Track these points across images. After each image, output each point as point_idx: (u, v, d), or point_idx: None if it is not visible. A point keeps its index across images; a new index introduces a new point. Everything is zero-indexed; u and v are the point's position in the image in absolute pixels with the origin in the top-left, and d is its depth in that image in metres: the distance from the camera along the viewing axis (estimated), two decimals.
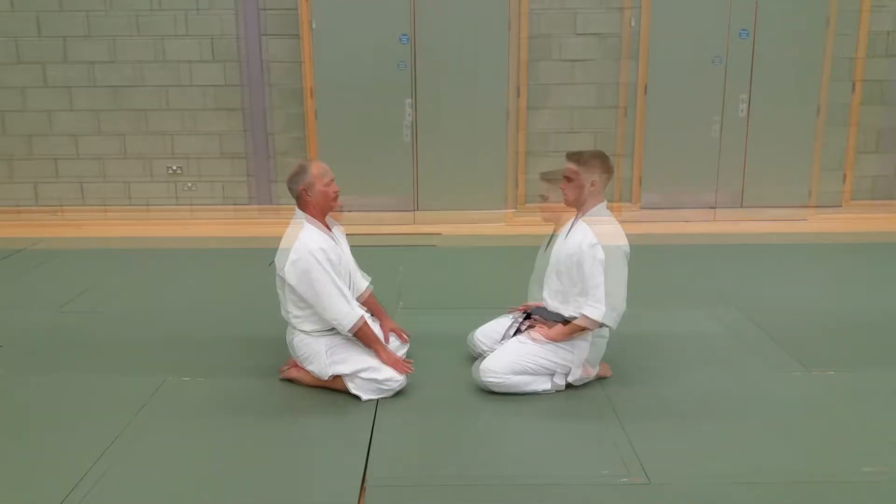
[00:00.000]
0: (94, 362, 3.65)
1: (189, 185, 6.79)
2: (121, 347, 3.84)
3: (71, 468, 2.66)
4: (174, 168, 6.79)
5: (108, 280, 5.02)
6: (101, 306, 4.51)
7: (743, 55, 6.51)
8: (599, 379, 3.37)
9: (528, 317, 3.43)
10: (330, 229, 3.31)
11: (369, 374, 3.19)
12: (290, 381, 3.38)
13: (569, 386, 3.28)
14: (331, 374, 3.21)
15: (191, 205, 6.84)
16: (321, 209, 3.22)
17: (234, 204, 6.83)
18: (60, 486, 2.54)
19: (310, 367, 3.27)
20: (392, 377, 3.20)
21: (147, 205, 6.84)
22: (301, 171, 3.20)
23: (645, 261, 5.19)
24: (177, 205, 6.84)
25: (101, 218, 6.75)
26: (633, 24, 6.45)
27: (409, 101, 6.59)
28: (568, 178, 3.22)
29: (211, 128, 6.70)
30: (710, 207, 6.75)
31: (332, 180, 3.23)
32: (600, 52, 6.56)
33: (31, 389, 3.34)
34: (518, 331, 3.40)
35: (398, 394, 3.22)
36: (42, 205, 6.85)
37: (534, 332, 3.27)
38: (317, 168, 3.20)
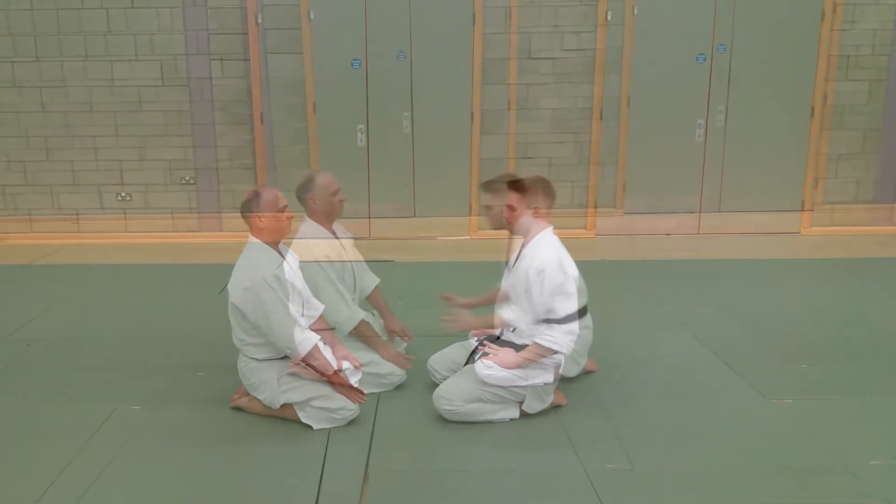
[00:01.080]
0: (42, 389, 3.61)
1: (185, 178, 7.06)
2: (70, 374, 3.79)
3: (20, 498, 2.66)
4: (124, 195, 7.07)
5: (59, 304, 4.97)
6: (48, 332, 4.45)
7: (721, 68, 6.90)
8: (555, 407, 3.33)
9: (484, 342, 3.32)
10: (335, 235, 3.58)
11: (321, 402, 3.13)
12: (241, 409, 3.33)
13: (524, 415, 3.23)
14: (281, 402, 3.14)
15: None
16: (327, 216, 3.52)
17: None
18: None
19: (260, 396, 3.18)
20: (345, 406, 3.14)
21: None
22: (308, 181, 3.49)
23: (621, 275, 5.43)
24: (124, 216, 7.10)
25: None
26: (609, 17, 6.77)
27: (406, 114, 6.99)
28: (510, 207, 3.22)
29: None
30: (691, 212, 7.15)
31: (339, 190, 3.52)
32: (580, 66, 6.96)
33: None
34: (474, 355, 3.30)
35: (352, 422, 3.17)
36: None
37: (486, 360, 3.15)
38: (324, 179, 3.48)
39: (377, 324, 3.78)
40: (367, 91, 6.88)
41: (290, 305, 3.09)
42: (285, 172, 6.95)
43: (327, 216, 3.53)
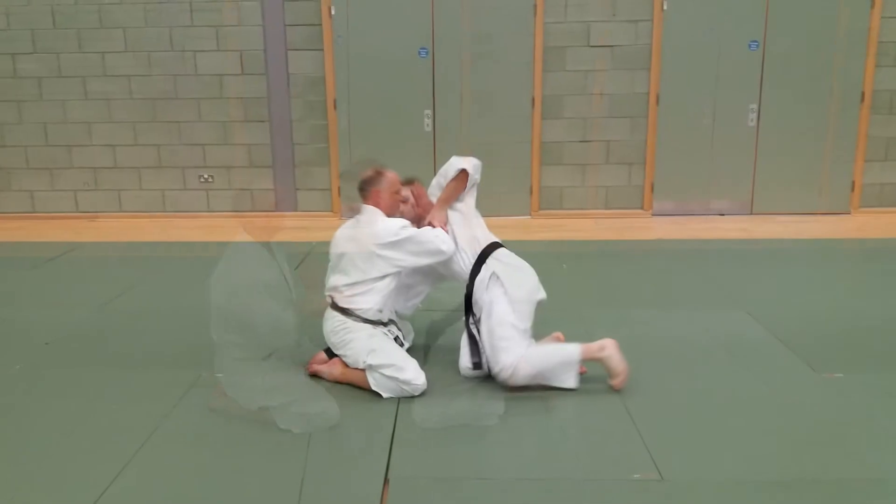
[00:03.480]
0: (131, 358, 3.87)
1: (205, 176, 7.13)
2: (159, 345, 4.04)
3: (111, 459, 2.84)
4: (206, 177, 7.13)
5: (146, 282, 5.30)
6: (139, 306, 4.76)
7: (753, 66, 6.68)
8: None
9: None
10: None
11: (392, 371, 3.27)
12: (316, 376, 3.51)
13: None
14: (365, 362, 3.31)
15: (220, 212, 7.18)
16: (388, 212, 3.54)
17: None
18: (100, 478, 2.72)
19: (344, 353, 3.41)
20: (413, 379, 3.27)
21: (179, 211, 7.20)
22: (377, 175, 3.55)
23: (656, 266, 5.58)
24: (208, 211, 7.20)
25: (138, 224, 7.12)
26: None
27: (428, 111, 6.86)
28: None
29: (240, 139, 7.03)
30: (720, 214, 6.93)
31: (401, 189, 3.61)
32: (611, 63, 6.77)
33: (73, 385, 3.54)
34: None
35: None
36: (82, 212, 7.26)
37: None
38: (391, 176, 3.56)
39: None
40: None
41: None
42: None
43: (388, 212, 3.58)
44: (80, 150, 7.13)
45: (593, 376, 3.44)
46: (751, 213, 6.92)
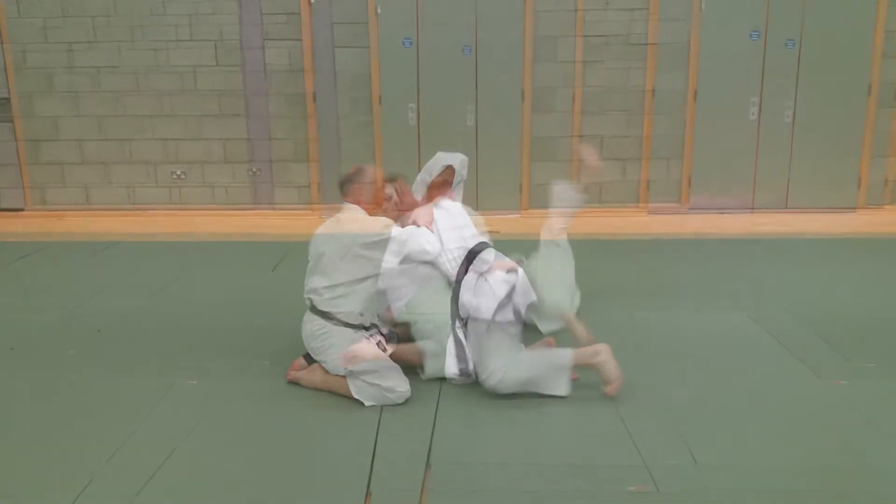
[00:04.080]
0: (109, 364, 3.72)
1: (254, 170, 7.33)
2: (136, 347, 3.94)
3: (159, 443, 2.86)
4: (255, 170, 7.35)
5: (196, 272, 5.39)
6: (190, 296, 4.86)
7: (789, 62, 6.83)
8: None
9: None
10: None
11: (374, 378, 3.12)
12: (295, 383, 3.37)
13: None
14: (345, 367, 3.14)
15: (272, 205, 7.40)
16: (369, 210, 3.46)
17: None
18: (150, 461, 2.73)
19: (324, 359, 3.23)
20: (397, 387, 3.13)
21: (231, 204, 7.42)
22: (358, 172, 3.45)
23: (686, 258, 5.57)
24: (254, 204, 7.41)
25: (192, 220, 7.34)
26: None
27: (470, 107, 7.04)
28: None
29: (287, 134, 7.24)
30: (754, 209, 7.08)
31: (383, 186, 3.52)
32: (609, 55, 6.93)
33: (122, 370, 3.59)
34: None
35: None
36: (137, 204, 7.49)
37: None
38: (372, 171, 3.45)
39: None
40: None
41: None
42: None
43: (370, 210, 3.48)
44: (138, 143, 7.34)
45: (586, 383, 3.27)
46: (786, 208, 7.07)
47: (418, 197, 3.77)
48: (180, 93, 7.17)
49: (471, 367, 3.27)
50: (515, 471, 2.69)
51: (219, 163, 7.32)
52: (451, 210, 3.64)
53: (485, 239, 3.60)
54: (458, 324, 3.32)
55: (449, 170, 3.66)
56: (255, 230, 6.78)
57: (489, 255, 3.46)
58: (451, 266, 3.45)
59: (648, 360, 3.61)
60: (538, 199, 6.85)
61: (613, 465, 2.71)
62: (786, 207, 7.09)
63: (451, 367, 3.28)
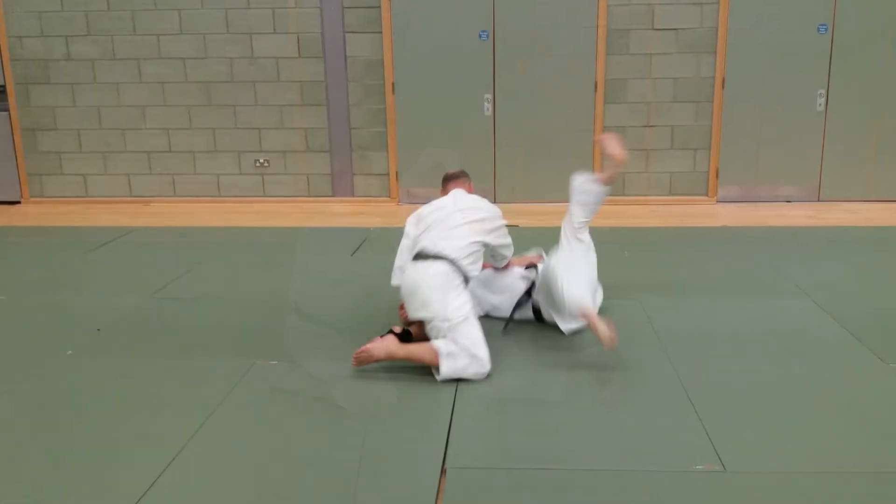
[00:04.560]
0: (185, 344, 3.78)
1: (261, 161, 7.00)
2: (211, 331, 3.96)
3: (164, 446, 2.76)
4: (262, 161, 7.03)
5: (200, 267, 5.20)
6: (194, 292, 4.67)
7: (822, 49, 6.53)
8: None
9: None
10: None
11: (472, 348, 3.18)
12: (363, 360, 3.31)
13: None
14: (452, 327, 3.17)
15: (277, 196, 7.09)
16: None
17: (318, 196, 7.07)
18: (152, 465, 2.64)
19: (436, 311, 3.22)
20: (486, 361, 3.20)
21: (235, 196, 7.10)
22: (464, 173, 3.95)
23: (720, 253, 5.44)
24: (264, 196, 7.10)
25: (194, 209, 7.03)
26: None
27: (488, 95, 6.74)
28: None
29: (297, 123, 6.93)
30: (787, 201, 6.78)
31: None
32: (675, 47, 6.63)
33: (125, 371, 3.47)
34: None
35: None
36: (136, 196, 7.17)
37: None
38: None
39: None
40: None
41: None
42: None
43: None
44: (134, 133, 7.04)
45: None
46: (818, 200, 6.77)
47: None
48: (264, 83, 6.88)
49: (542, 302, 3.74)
50: (586, 447, 2.76)
51: (302, 151, 7.03)
52: (471, 202, 3.65)
53: (504, 232, 3.68)
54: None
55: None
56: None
57: (508, 250, 3.69)
58: (470, 262, 3.43)
59: (709, 347, 3.65)
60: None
61: (681, 444, 2.75)
62: (818, 199, 6.79)
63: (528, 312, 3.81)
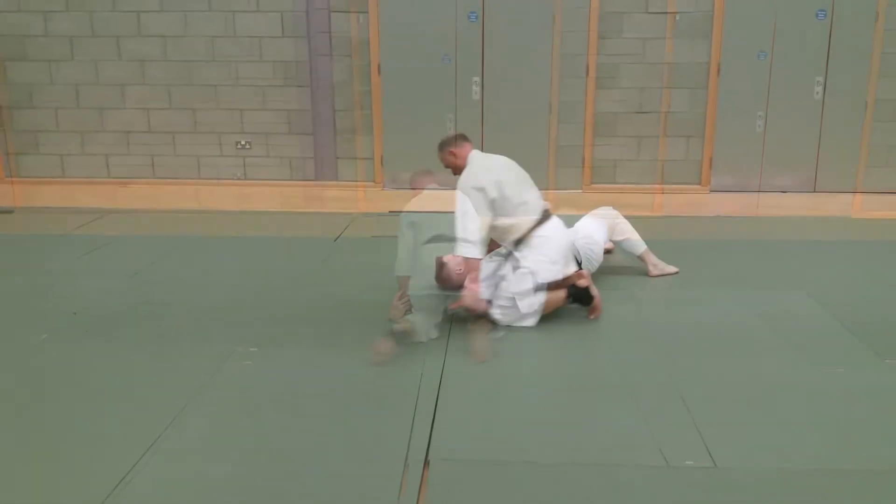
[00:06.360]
0: (163, 330, 3.72)
1: (242, 142, 6.82)
2: (190, 316, 3.90)
3: (139, 436, 2.69)
4: (243, 143, 6.85)
5: (178, 251, 5.11)
6: (172, 276, 4.59)
7: (821, 36, 6.34)
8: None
9: None
10: None
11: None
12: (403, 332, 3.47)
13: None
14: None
15: (259, 180, 6.91)
16: None
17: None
18: (127, 455, 2.58)
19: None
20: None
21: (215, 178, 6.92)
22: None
23: (714, 246, 5.31)
24: (245, 179, 6.92)
25: (171, 191, 6.84)
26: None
27: (476, 78, 6.56)
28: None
29: (279, 105, 6.75)
30: (782, 191, 6.61)
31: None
32: (671, 31, 6.45)
33: (101, 357, 3.40)
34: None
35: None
36: (113, 177, 6.98)
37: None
38: None
39: None
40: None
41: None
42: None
43: None
44: (112, 112, 6.85)
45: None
46: (814, 191, 6.59)
47: None
48: (247, 63, 6.68)
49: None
50: (576, 441, 2.74)
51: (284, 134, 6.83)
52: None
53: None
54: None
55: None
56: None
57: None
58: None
59: (701, 341, 3.62)
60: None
61: (672, 440, 2.70)
62: (814, 190, 6.61)
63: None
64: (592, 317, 3.82)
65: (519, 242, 3.79)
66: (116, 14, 6.61)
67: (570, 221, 4.23)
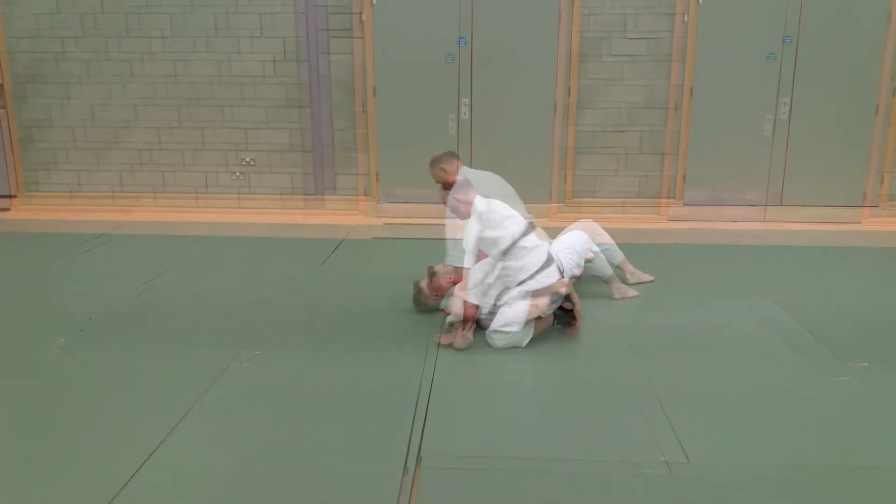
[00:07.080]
0: (171, 335, 3.95)
1: (247, 159, 7.26)
2: (197, 323, 4.15)
3: (148, 435, 2.85)
4: (248, 160, 7.30)
5: (186, 263, 5.41)
6: (181, 286, 4.84)
7: (787, 59, 6.77)
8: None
9: None
10: None
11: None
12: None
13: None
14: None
15: (261, 194, 7.36)
16: None
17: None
18: (136, 454, 2.73)
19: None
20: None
21: (221, 194, 7.38)
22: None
23: (687, 256, 5.67)
24: (250, 194, 7.37)
25: (187, 206, 7.31)
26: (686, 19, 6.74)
27: (465, 100, 6.99)
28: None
29: (282, 124, 7.20)
30: (752, 205, 7.03)
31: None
32: (648, 53, 6.88)
33: (113, 358, 3.63)
34: None
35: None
36: (127, 191, 7.45)
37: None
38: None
39: None
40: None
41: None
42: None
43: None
44: (125, 131, 7.30)
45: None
46: (781, 205, 7.01)
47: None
48: (252, 85, 7.15)
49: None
50: (555, 438, 2.92)
51: (286, 151, 7.31)
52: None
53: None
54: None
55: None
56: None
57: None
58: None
59: (675, 346, 3.86)
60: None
61: (648, 437, 2.90)
62: (780, 204, 7.04)
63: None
64: (573, 337, 3.99)
65: (504, 253, 3.99)
66: (131, 39, 7.08)
67: (552, 234, 4.54)
